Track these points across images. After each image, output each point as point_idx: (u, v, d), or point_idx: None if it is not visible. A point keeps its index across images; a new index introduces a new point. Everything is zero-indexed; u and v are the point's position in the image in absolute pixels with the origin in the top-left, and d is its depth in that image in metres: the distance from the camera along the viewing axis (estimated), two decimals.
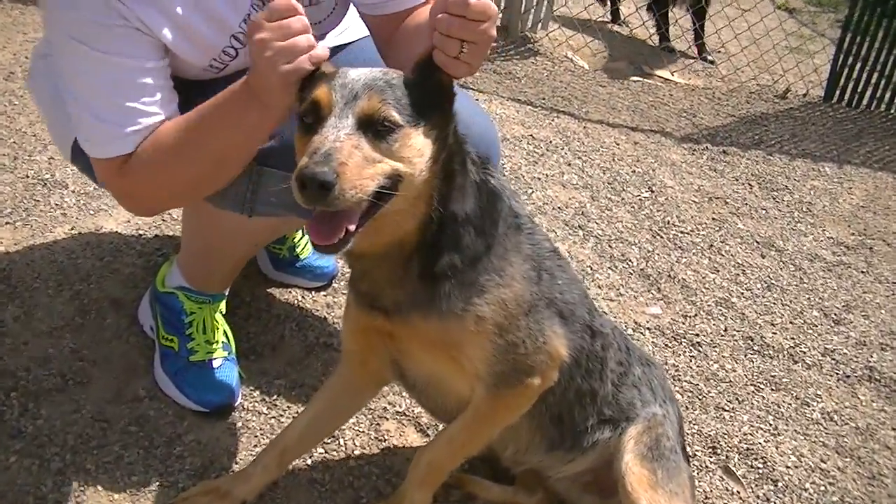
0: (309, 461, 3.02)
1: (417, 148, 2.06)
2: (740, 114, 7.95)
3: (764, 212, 5.92)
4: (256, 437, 3.08)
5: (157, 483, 2.81)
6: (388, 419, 3.29)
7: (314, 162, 1.87)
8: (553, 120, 6.78)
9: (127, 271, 3.71)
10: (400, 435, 3.23)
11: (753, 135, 7.40)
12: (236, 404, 3.11)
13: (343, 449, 3.10)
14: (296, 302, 3.76)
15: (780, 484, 3.46)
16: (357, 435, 3.18)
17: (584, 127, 6.79)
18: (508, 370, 2.41)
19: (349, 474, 3.02)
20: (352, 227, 2.02)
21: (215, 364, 3.11)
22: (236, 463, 2.95)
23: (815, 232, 5.79)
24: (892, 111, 8.50)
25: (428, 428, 3.27)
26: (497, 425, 2.58)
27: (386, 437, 3.20)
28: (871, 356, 4.51)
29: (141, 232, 4.08)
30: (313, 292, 3.84)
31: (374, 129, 1.99)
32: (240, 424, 3.06)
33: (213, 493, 2.70)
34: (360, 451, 3.12)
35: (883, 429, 3.99)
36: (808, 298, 4.95)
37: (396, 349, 2.55)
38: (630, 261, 4.89)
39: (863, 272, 5.39)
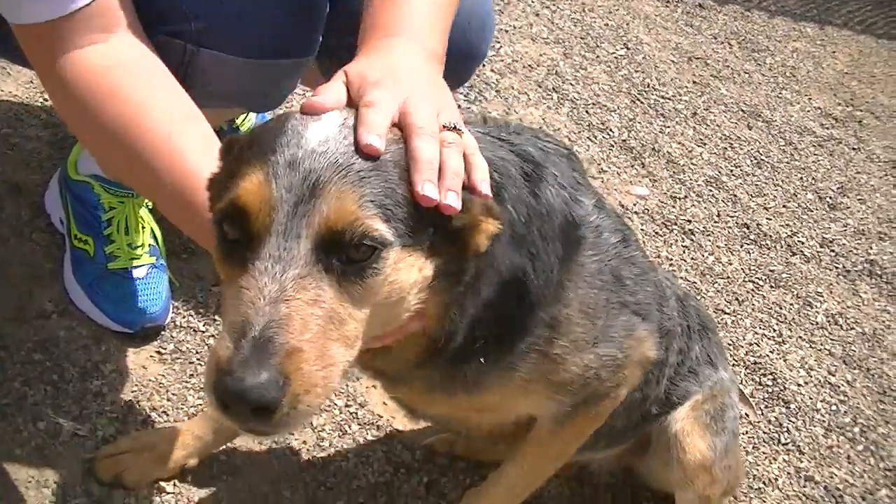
0: None
1: (413, 274, 1.35)
2: None
3: (747, 76, 5.40)
4: (192, 363, 2.50)
5: (71, 431, 2.23)
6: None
7: (241, 362, 1.18)
8: None
9: (29, 147, 2.90)
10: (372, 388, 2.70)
11: None
12: (166, 322, 2.50)
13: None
14: None
15: (792, 406, 3.07)
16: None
17: None
18: (582, 403, 1.86)
19: (318, 445, 2.49)
20: None
21: (140, 273, 2.52)
22: (168, 400, 2.39)
23: (801, 101, 5.31)
24: None
25: None
26: (568, 454, 2.06)
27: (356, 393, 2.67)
28: (871, 247, 4.12)
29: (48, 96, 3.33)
30: None
31: (344, 255, 1.27)
32: (171, 347, 2.51)
33: (145, 454, 2.14)
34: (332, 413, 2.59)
35: (889, 334, 3.63)
36: (801, 179, 4.50)
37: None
38: (610, 130, 4.35)
39: (854, 149, 4.96)
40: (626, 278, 1.86)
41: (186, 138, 1.76)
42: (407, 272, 1.32)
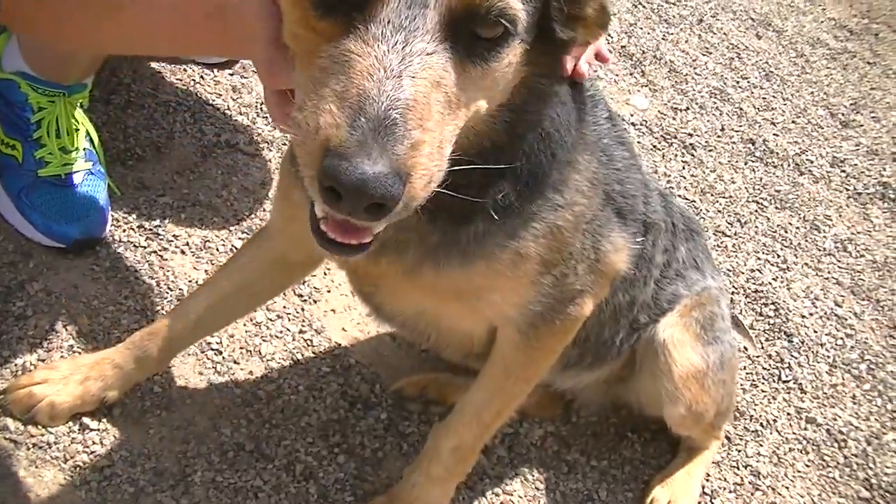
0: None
1: (512, 67, 1.22)
2: None
3: None
4: (129, 282, 2.22)
5: None
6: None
7: (360, 144, 1.00)
8: None
9: None
10: (330, 312, 2.43)
11: None
12: (103, 236, 2.21)
13: (266, 329, 2.28)
14: (191, 85, 2.80)
15: (794, 340, 2.81)
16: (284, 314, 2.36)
17: None
18: (549, 306, 1.67)
19: (266, 377, 2.21)
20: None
21: (75, 180, 2.27)
22: (99, 324, 2.12)
23: (814, 11, 4.97)
24: None
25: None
26: (536, 377, 1.85)
27: (313, 318, 2.40)
28: (884, 169, 3.83)
29: None
30: (215, 70, 2.88)
31: (471, 36, 1.12)
32: (107, 265, 2.24)
33: (60, 386, 1.88)
34: (283, 340, 2.33)
35: None
36: (812, 93, 4.18)
37: (375, 280, 1.71)
38: (609, 35, 4.01)
39: (869, 63, 4.63)
40: (616, 160, 1.74)
41: None
42: (517, 65, 1.22)
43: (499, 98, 1.26)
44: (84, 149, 2.30)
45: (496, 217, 1.46)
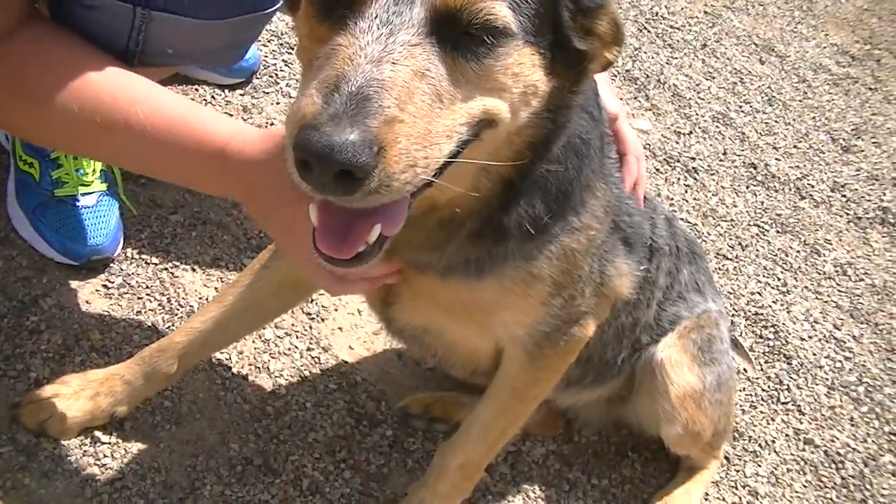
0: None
1: (532, 77, 1.23)
2: None
3: (761, 7, 5.09)
4: (141, 298, 2.27)
5: (0, 371, 2.01)
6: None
7: (330, 115, 1.02)
8: None
9: None
10: (338, 330, 2.47)
11: None
12: (115, 254, 2.27)
13: (274, 346, 2.33)
14: (203, 104, 2.84)
15: (793, 362, 2.85)
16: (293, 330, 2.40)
17: None
18: (555, 327, 1.71)
19: (274, 393, 2.26)
20: (392, 228, 1.19)
21: (89, 201, 2.30)
22: (111, 339, 2.16)
23: (817, 36, 5.01)
24: None
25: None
26: (541, 396, 1.90)
27: (320, 336, 2.44)
28: (884, 194, 3.87)
29: None
30: (227, 91, 2.92)
31: (462, 36, 1.13)
32: (119, 282, 2.28)
33: (71, 400, 1.92)
34: (291, 357, 2.36)
35: None
36: (814, 118, 4.23)
37: (393, 292, 1.75)
38: None
39: (871, 89, 4.68)
40: (625, 192, 1.81)
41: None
42: (532, 71, 1.22)
43: (523, 107, 1.26)
44: (101, 170, 2.35)
45: (533, 232, 1.50)
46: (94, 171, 2.33)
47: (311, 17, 1.19)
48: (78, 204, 2.30)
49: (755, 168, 3.70)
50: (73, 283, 2.26)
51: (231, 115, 2.85)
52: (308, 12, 1.20)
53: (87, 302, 2.23)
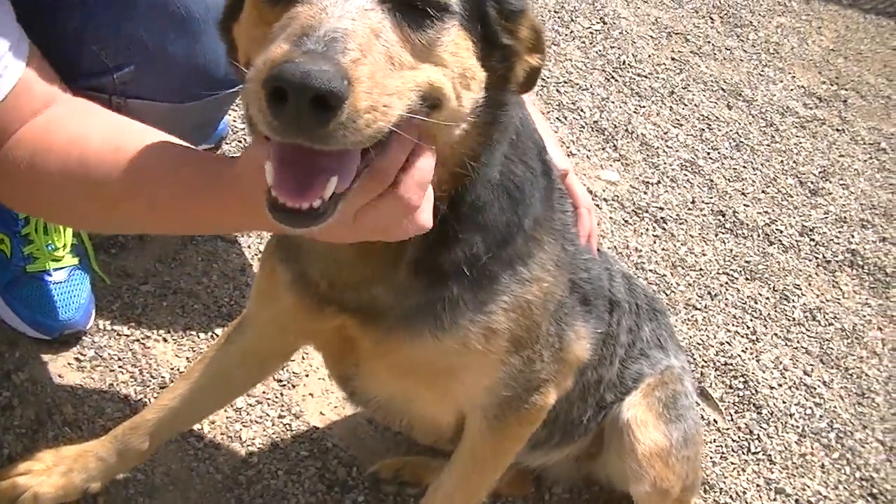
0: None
1: (468, 61, 1.31)
2: None
3: (728, 52, 5.18)
4: (113, 371, 2.30)
5: None
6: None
7: (306, 53, 1.06)
8: None
9: None
10: (309, 396, 2.50)
11: None
12: (87, 327, 2.29)
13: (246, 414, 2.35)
14: None
15: (763, 411, 2.88)
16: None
17: None
18: (516, 394, 1.73)
19: (246, 462, 2.28)
20: (344, 184, 1.19)
21: (60, 276, 2.35)
22: (84, 413, 2.19)
23: (784, 79, 5.10)
24: None
25: None
26: (504, 464, 1.93)
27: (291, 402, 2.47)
28: (853, 236, 3.93)
29: None
30: None
31: (410, 5, 1.21)
32: (91, 354, 2.32)
33: (43, 477, 1.93)
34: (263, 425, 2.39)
35: (870, 330, 3.44)
36: (782, 162, 4.30)
37: (353, 361, 1.77)
38: (581, 110, 4.14)
39: (838, 130, 4.75)
40: (582, 249, 1.84)
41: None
42: (468, 55, 1.30)
43: (463, 90, 1.31)
44: (71, 244, 2.38)
45: (468, 273, 1.52)
46: (64, 245, 2.37)
47: (259, 4, 1.25)
48: (49, 279, 2.33)
49: (724, 215, 3.75)
50: (46, 357, 2.29)
51: None
52: (255, 2, 1.26)
53: (59, 375, 2.26)
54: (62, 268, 2.34)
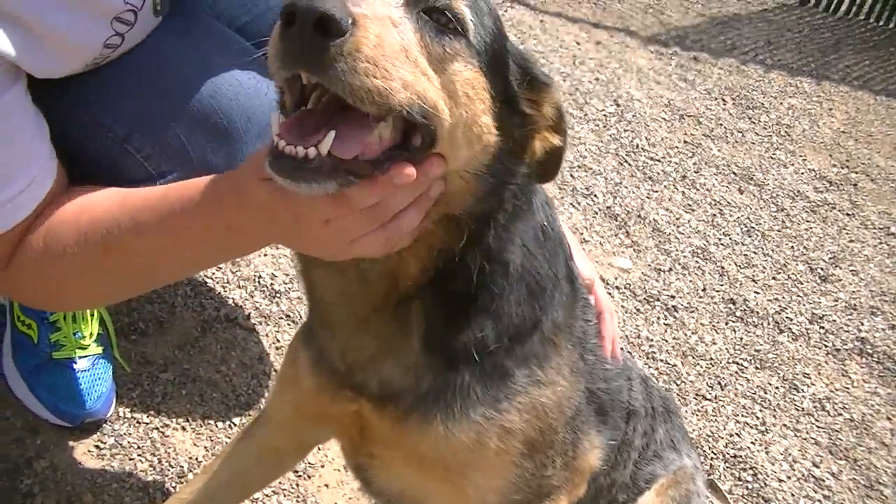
0: None
1: (481, 114, 1.34)
2: (711, 13, 7.20)
3: (740, 135, 5.27)
4: (132, 459, 2.36)
5: None
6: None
7: None
8: (505, 11, 5.96)
9: None
10: (324, 487, 2.55)
11: (726, 39, 6.69)
12: (108, 415, 2.35)
13: None
14: None
15: (772, 503, 2.90)
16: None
17: (542, 21, 5.99)
18: (527, 498, 1.74)
19: None
20: (345, 150, 1.22)
21: (84, 365, 2.40)
22: (102, 501, 2.24)
23: (795, 162, 5.18)
24: (872, 20, 7.83)
25: None
26: None
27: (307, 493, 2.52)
28: (862, 324, 3.96)
29: None
30: None
31: (432, 15, 1.27)
32: (111, 442, 2.37)
33: None
34: None
35: (879, 420, 3.46)
36: (792, 248, 4.35)
37: (368, 450, 1.80)
38: (595, 196, 4.21)
39: (848, 215, 4.81)
40: (602, 358, 1.87)
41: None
42: (481, 107, 1.33)
43: (465, 145, 1.33)
44: (97, 333, 2.45)
45: (478, 360, 1.53)
46: (91, 334, 2.44)
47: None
48: (74, 367, 2.39)
49: (734, 303, 3.80)
50: (66, 444, 2.34)
51: (220, 268, 2.96)
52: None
53: (79, 463, 2.31)
54: (87, 356, 2.40)
